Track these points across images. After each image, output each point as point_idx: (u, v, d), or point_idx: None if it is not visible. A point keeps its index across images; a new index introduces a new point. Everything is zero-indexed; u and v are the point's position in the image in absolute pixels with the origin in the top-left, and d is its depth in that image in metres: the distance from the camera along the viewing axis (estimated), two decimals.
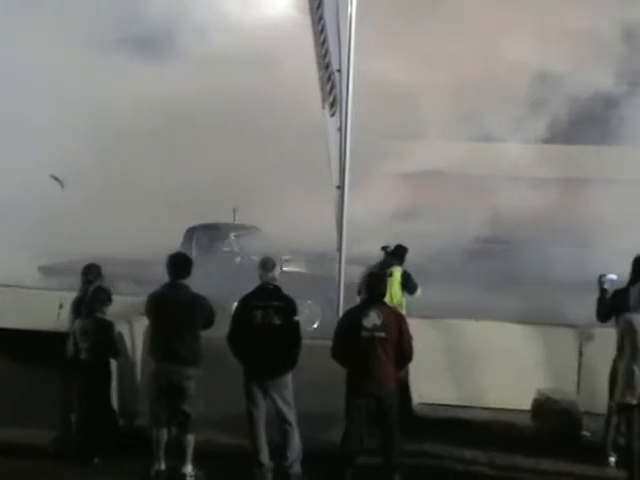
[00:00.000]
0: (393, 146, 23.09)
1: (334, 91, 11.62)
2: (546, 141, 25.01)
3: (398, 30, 22.00)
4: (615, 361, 10.26)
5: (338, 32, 11.41)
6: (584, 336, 12.19)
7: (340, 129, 11.77)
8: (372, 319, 9.78)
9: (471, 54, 22.67)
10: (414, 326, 10.28)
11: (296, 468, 10.14)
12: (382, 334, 9.76)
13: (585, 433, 11.41)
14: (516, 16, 23.01)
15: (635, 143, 21.99)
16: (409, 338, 9.93)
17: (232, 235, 19.50)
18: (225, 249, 19.38)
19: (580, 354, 12.19)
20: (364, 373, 9.80)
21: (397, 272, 13.99)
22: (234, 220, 20.05)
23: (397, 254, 14.26)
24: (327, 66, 11.56)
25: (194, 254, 17.62)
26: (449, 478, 10.40)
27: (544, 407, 11.47)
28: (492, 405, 12.16)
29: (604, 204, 21.16)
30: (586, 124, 24.62)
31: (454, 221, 21.68)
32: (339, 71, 11.54)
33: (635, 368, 9.96)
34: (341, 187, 11.98)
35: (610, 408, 10.62)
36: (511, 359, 12.13)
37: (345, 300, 12.04)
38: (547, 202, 23.12)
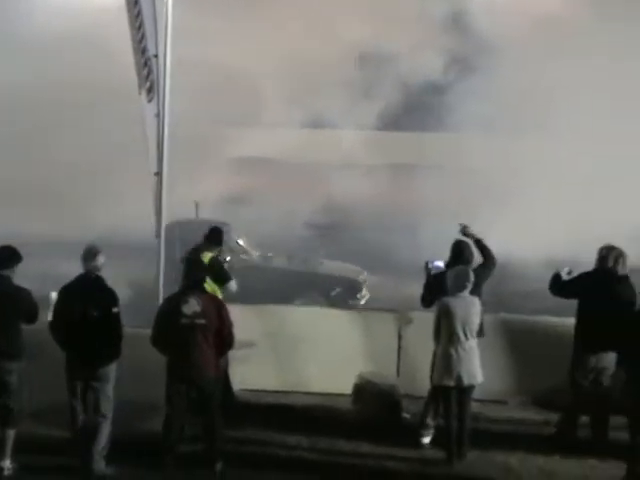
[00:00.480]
0: (224, 132, 22.96)
1: (151, 76, 11.48)
2: (378, 128, 25.28)
3: (230, 14, 21.88)
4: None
5: (154, 17, 11.30)
6: (403, 320, 12.41)
7: (158, 115, 11.64)
8: (192, 306, 9.77)
9: (305, 39, 22.71)
10: (235, 312, 10.29)
11: (100, 464, 9.94)
12: (202, 321, 9.76)
13: (405, 415, 11.60)
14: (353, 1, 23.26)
15: (458, 130, 22.49)
16: (230, 324, 9.96)
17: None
18: None
19: (399, 338, 12.40)
20: (184, 360, 9.79)
21: (206, 257, 11.80)
22: (197, 215, 19.04)
23: (211, 237, 12.26)
24: (143, 51, 11.43)
25: (178, 251, 17.23)
26: (272, 464, 10.35)
27: (365, 391, 11.60)
28: (314, 390, 12.22)
29: (432, 191, 21.60)
30: (416, 111, 25.04)
31: (286, 207, 21.75)
32: (156, 56, 11.43)
33: (452, 351, 10.23)
34: (159, 174, 11.86)
35: (430, 390, 10.86)
36: (333, 344, 12.22)
37: None
38: (379, 189, 23.44)
